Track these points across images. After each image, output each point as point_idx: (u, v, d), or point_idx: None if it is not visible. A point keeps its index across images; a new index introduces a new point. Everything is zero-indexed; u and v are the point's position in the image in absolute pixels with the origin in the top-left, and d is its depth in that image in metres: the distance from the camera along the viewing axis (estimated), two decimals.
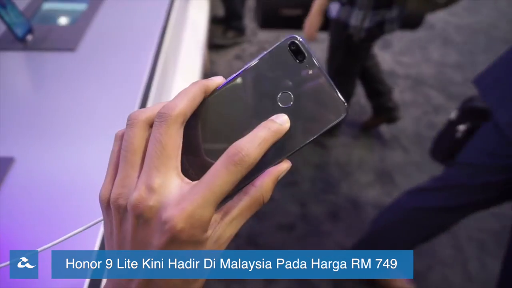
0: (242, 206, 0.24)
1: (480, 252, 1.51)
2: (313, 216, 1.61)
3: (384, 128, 2.00)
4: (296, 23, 1.63)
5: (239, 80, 0.26)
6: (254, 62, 0.26)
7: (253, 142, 0.23)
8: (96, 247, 0.52)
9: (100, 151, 0.66)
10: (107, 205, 0.25)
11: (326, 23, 1.60)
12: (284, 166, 0.25)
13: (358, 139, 1.95)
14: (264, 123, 0.25)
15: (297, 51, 0.26)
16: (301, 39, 0.26)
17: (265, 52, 0.26)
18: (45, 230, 0.54)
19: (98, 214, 0.58)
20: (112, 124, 0.71)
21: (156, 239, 0.22)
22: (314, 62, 0.26)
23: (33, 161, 0.63)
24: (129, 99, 0.76)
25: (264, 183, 0.24)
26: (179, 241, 0.22)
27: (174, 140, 0.24)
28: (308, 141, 0.25)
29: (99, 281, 0.50)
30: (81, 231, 0.30)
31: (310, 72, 0.26)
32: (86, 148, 0.66)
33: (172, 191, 0.23)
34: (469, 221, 1.61)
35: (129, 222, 0.23)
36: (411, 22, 1.66)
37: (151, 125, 0.25)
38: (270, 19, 1.67)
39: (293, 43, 0.26)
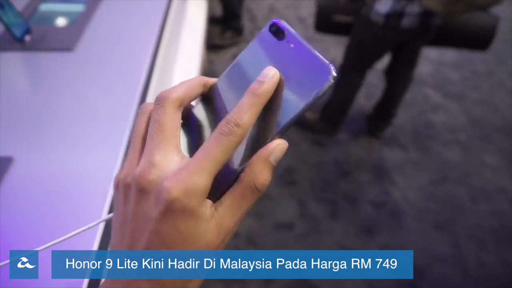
0: (234, 193, 0.24)
1: (478, 250, 1.52)
2: (312, 215, 1.61)
3: None
4: (349, 30, 1.66)
5: (232, 69, 0.28)
6: (244, 51, 0.28)
7: (240, 112, 0.23)
8: (95, 247, 0.52)
9: (98, 150, 0.66)
10: (117, 186, 0.26)
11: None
12: (274, 144, 0.24)
13: (356, 138, 1.95)
14: (249, 88, 0.25)
15: (276, 31, 0.27)
16: (279, 20, 0.28)
17: (252, 41, 0.28)
18: (44, 229, 0.54)
19: (97, 213, 0.58)
20: (110, 124, 0.71)
21: (153, 211, 0.23)
22: (293, 36, 0.27)
23: (32, 161, 0.63)
24: (127, 98, 0.76)
25: (252, 165, 0.24)
26: (174, 211, 0.22)
27: (171, 119, 0.25)
28: (300, 111, 0.25)
29: (98, 281, 0.50)
30: (81, 232, 0.30)
31: (292, 45, 0.27)
32: (84, 148, 0.66)
33: (172, 166, 0.24)
34: (467, 219, 1.62)
35: (132, 198, 0.24)
36: (477, 39, 1.67)
37: None
38: (323, 24, 1.74)
39: (272, 25, 0.28)
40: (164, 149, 0.24)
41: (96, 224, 0.30)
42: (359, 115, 2.06)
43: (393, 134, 1.98)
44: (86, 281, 0.48)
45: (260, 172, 0.24)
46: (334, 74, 0.25)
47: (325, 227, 1.57)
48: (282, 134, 0.25)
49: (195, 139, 0.27)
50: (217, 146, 0.23)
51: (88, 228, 0.30)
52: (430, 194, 1.71)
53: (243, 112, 0.23)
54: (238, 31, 2.50)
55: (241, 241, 1.48)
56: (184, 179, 0.22)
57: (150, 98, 0.79)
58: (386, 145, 1.92)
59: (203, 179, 0.22)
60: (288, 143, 0.25)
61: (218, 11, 2.55)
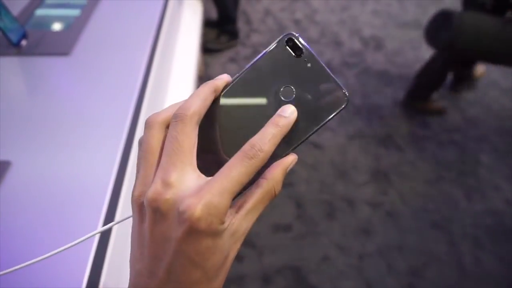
0: (255, 198, 0.25)
1: (474, 248, 1.53)
2: (309, 217, 1.62)
3: (379, 128, 2.02)
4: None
5: (243, 79, 0.28)
6: (255, 61, 0.28)
7: (264, 139, 0.25)
8: (91, 256, 0.52)
9: (95, 155, 0.66)
10: (132, 205, 0.26)
11: None
12: (291, 158, 0.27)
13: (352, 139, 1.96)
14: (272, 119, 0.26)
15: (294, 47, 0.27)
16: (297, 35, 0.27)
17: (265, 51, 0.28)
18: (41, 233, 0.54)
19: (95, 218, 0.59)
20: (106, 128, 0.71)
21: (174, 231, 0.23)
22: (312, 56, 0.27)
23: (30, 165, 0.64)
24: (124, 102, 0.76)
25: (274, 175, 0.26)
26: (197, 231, 0.22)
27: (190, 137, 0.25)
28: (312, 132, 0.27)
29: (97, 281, 0.50)
30: (78, 243, 0.29)
31: (309, 65, 0.27)
32: (82, 152, 0.67)
33: (189, 185, 0.24)
34: (463, 217, 1.63)
35: (147, 218, 0.24)
36: None
37: (167, 127, 0.26)
38: None
39: (290, 39, 0.27)
40: (181, 167, 0.24)
41: (91, 236, 0.29)
42: (355, 115, 2.08)
43: (389, 134, 1.99)
44: (85, 281, 0.48)
45: (280, 180, 0.26)
46: (348, 100, 0.26)
47: (323, 228, 1.58)
48: (295, 148, 0.27)
49: (201, 149, 0.26)
50: (240, 168, 0.23)
51: (84, 240, 0.29)
52: (426, 194, 1.73)
53: (267, 140, 0.25)
54: (233, 34, 2.51)
55: None
56: (207, 198, 0.22)
57: (147, 102, 0.80)
58: (382, 146, 1.93)
59: (225, 200, 0.23)
60: None
61: (214, 14, 2.56)
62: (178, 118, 0.25)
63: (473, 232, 1.59)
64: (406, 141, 1.96)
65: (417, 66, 2.44)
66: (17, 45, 0.86)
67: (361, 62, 2.44)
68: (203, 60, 2.28)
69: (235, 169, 0.23)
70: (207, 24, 2.50)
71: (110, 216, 0.57)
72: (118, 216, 0.59)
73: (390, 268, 1.46)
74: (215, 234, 0.23)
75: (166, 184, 0.23)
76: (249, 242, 1.50)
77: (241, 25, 2.67)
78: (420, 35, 2.70)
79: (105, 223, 0.56)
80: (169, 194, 0.23)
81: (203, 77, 2.09)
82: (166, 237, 0.23)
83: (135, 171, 0.27)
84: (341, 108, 0.26)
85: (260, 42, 2.57)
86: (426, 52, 2.54)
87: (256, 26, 2.73)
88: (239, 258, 1.45)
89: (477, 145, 1.96)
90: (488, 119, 2.12)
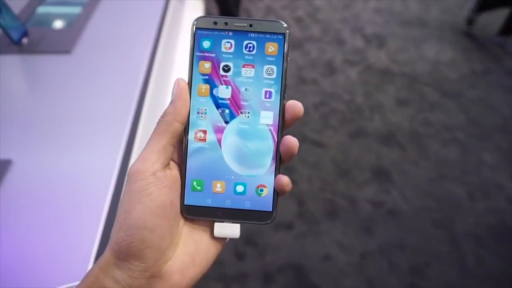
0: None
1: (477, 247, 1.52)
2: (311, 215, 1.61)
3: (380, 126, 2.01)
4: None
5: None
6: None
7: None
8: (95, 247, 0.52)
9: (97, 152, 0.66)
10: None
11: None
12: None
13: (354, 137, 1.96)
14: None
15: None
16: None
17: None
18: (42, 231, 0.54)
19: (96, 215, 0.58)
20: (108, 126, 0.71)
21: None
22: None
23: (31, 163, 0.63)
24: (125, 100, 0.76)
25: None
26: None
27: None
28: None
29: None
30: None
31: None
32: (83, 150, 0.67)
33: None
34: (465, 216, 1.63)
35: None
36: None
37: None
38: None
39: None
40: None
41: None
42: (357, 113, 2.07)
43: (391, 132, 1.98)
44: None
45: None
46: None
47: (324, 226, 1.57)
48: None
49: None
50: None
51: None
52: (429, 193, 1.72)
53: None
54: None
55: (240, 241, 1.48)
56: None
57: (148, 99, 0.80)
58: (384, 144, 1.93)
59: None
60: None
61: (215, 12, 2.56)
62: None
63: (475, 231, 1.58)
64: (408, 139, 1.96)
65: (419, 64, 2.43)
66: (18, 43, 0.86)
67: (364, 60, 2.43)
68: None
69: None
70: None
71: (111, 213, 0.57)
72: None
73: (391, 267, 1.45)
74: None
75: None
76: (250, 240, 1.50)
77: None
78: (422, 33, 2.69)
79: (106, 221, 0.56)
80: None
81: None
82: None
83: None
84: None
85: None
86: (429, 50, 2.53)
87: None
88: (240, 256, 1.45)
89: (479, 144, 1.95)
90: (491, 117, 2.11)
